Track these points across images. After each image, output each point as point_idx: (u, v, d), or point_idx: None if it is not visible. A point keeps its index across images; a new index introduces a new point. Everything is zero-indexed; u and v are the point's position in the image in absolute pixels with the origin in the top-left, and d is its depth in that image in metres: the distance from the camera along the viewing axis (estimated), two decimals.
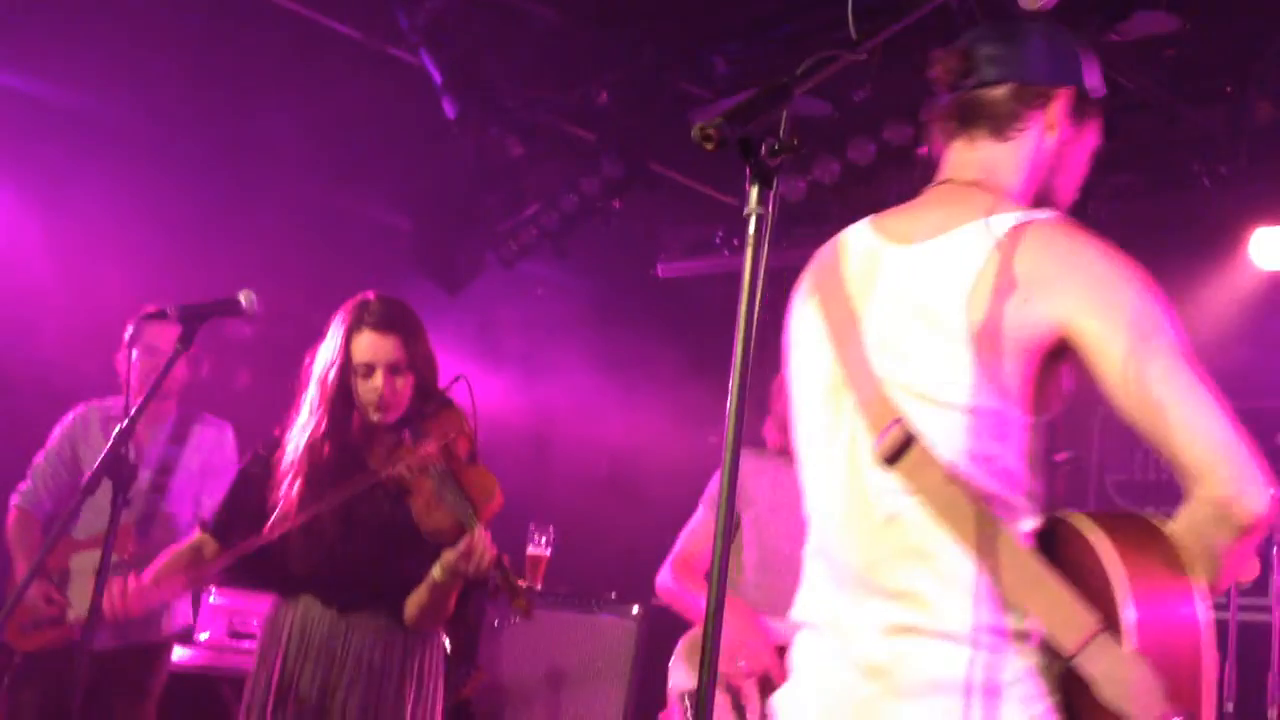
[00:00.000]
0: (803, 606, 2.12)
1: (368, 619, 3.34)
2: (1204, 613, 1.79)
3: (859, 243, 2.13)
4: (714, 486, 4.12)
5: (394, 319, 3.37)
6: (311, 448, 3.31)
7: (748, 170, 1.59)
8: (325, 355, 3.40)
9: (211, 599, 5.86)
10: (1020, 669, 1.86)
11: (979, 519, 1.87)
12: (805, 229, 5.60)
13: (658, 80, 5.67)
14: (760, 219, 1.56)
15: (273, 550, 3.32)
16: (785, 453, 3.88)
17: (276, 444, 3.45)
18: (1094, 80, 2.11)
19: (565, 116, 6.21)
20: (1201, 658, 1.78)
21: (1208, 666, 1.79)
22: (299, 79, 6.05)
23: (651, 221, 6.99)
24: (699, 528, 4.22)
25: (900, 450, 1.91)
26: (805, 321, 2.16)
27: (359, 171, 6.76)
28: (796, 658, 2.11)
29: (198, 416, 4.88)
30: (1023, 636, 1.87)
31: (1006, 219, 1.94)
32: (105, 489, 4.48)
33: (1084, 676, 1.78)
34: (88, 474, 3.00)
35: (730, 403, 1.54)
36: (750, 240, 1.55)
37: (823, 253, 2.19)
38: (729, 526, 1.49)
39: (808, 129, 5.29)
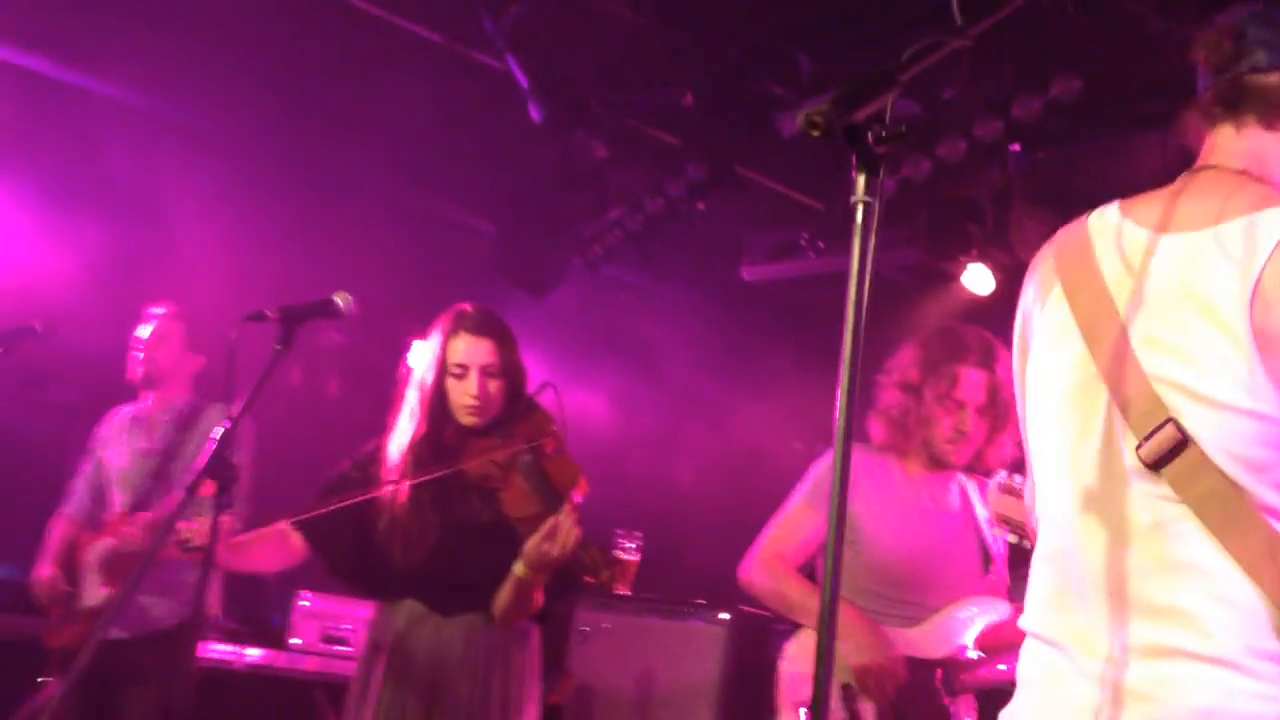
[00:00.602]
0: (1033, 617, 1.99)
1: (468, 621, 3.39)
2: None
3: (1111, 229, 2.01)
4: (813, 478, 3.81)
5: (489, 324, 3.50)
6: (414, 448, 3.43)
7: (854, 158, 1.54)
8: (423, 361, 3.52)
9: (303, 603, 5.92)
10: None
11: (1257, 531, 1.76)
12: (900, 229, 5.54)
13: (741, 80, 5.63)
14: (868, 207, 1.51)
15: (376, 554, 3.42)
16: (892, 448, 3.80)
17: (371, 454, 3.55)
18: None
19: (650, 119, 6.20)
20: None
21: None
22: (384, 84, 6.11)
23: (736, 225, 6.94)
24: (793, 519, 3.82)
25: (1171, 453, 1.79)
26: (1048, 310, 2.04)
27: (444, 176, 6.81)
28: (1027, 672, 1.99)
29: (207, 406, 4.87)
30: None
31: None
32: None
33: None
34: (188, 474, 3.04)
35: (840, 394, 1.50)
36: (858, 228, 1.51)
37: (1064, 237, 2.08)
38: (841, 522, 1.44)
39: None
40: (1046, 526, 2.00)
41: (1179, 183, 2.02)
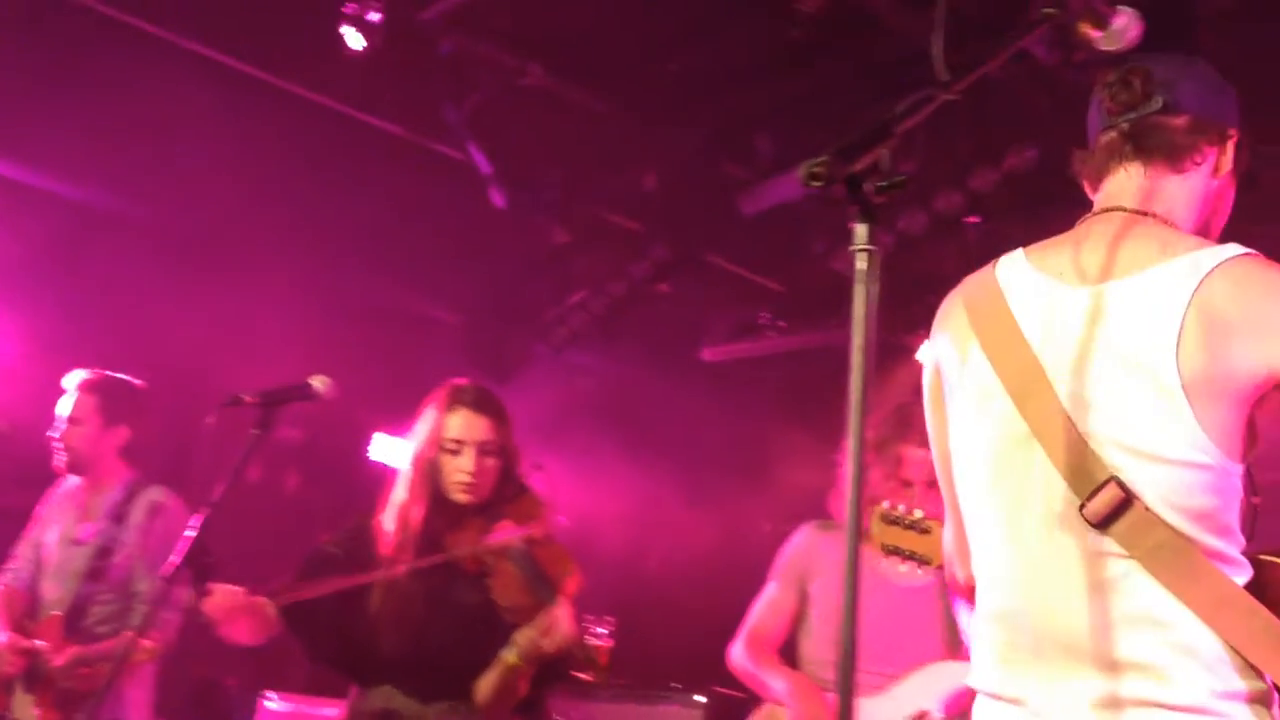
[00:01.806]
0: (985, 676, 1.98)
1: (448, 707, 3.31)
2: None
3: (1023, 281, 2.00)
4: (784, 560, 4.05)
5: (487, 401, 3.46)
6: (404, 526, 3.36)
7: (854, 208, 1.57)
8: (419, 436, 3.45)
9: (269, 704, 5.78)
10: None
11: (1208, 582, 1.77)
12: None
13: (702, 163, 5.71)
14: (870, 255, 1.54)
15: (358, 636, 3.34)
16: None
17: (354, 531, 3.48)
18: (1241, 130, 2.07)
19: (610, 203, 6.27)
20: None
21: None
22: (344, 176, 6.14)
23: (696, 307, 7.00)
24: (771, 603, 4.09)
25: (1116, 511, 1.79)
26: (969, 368, 2.01)
27: (406, 267, 6.83)
28: None
29: (142, 491, 4.51)
30: (1263, 698, 1.79)
31: (1205, 257, 1.84)
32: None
33: None
34: (166, 566, 2.98)
35: (851, 439, 1.51)
36: (860, 275, 1.53)
37: (972, 291, 2.06)
38: (857, 565, 1.44)
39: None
40: (989, 587, 1.99)
41: (1084, 226, 2.03)
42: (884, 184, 1.57)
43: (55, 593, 4.44)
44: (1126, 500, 1.79)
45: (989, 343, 1.97)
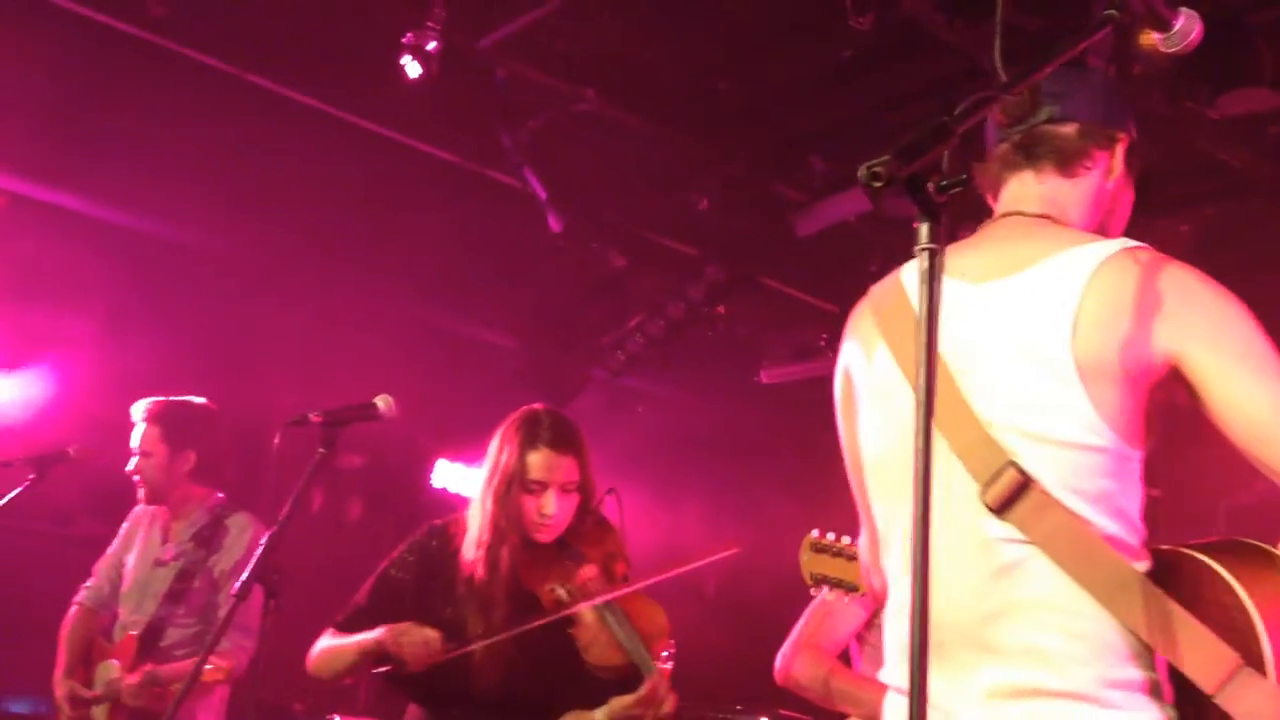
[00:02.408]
0: (893, 671, 2.01)
1: None
2: None
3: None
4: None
5: (570, 438, 3.33)
6: (492, 566, 3.26)
7: (917, 208, 1.57)
8: (498, 466, 3.32)
9: None
10: None
11: (1106, 563, 1.79)
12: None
13: (755, 185, 5.73)
14: (932, 254, 1.54)
15: (453, 666, 3.23)
16: None
17: (423, 549, 3.43)
18: (1136, 133, 2.15)
19: (665, 226, 6.30)
20: None
21: None
22: (402, 204, 6.23)
23: (753, 329, 7.01)
24: (821, 610, 3.77)
25: (1014, 495, 1.82)
26: (874, 367, 2.05)
27: (464, 294, 6.89)
28: None
29: (230, 514, 4.55)
30: (1154, 689, 1.79)
31: (1099, 248, 1.89)
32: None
33: (1227, 715, 1.70)
34: (236, 582, 3.02)
35: (918, 437, 1.51)
36: (924, 275, 1.54)
37: (880, 294, 2.12)
38: (924, 597, 1.43)
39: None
40: (895, 583, 2.01)
41: (984, 231, 2.09)
42: (945, 183, 1.57)
43: (133, 613, 4.47)
44: (1024, 484, 1.82)
45: (893, 340, 2.02)
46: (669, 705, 3.09)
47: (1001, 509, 1.83)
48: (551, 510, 3.24)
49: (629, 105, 5.65)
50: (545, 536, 3.29)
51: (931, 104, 4.82)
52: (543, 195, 5.70)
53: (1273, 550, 1.81)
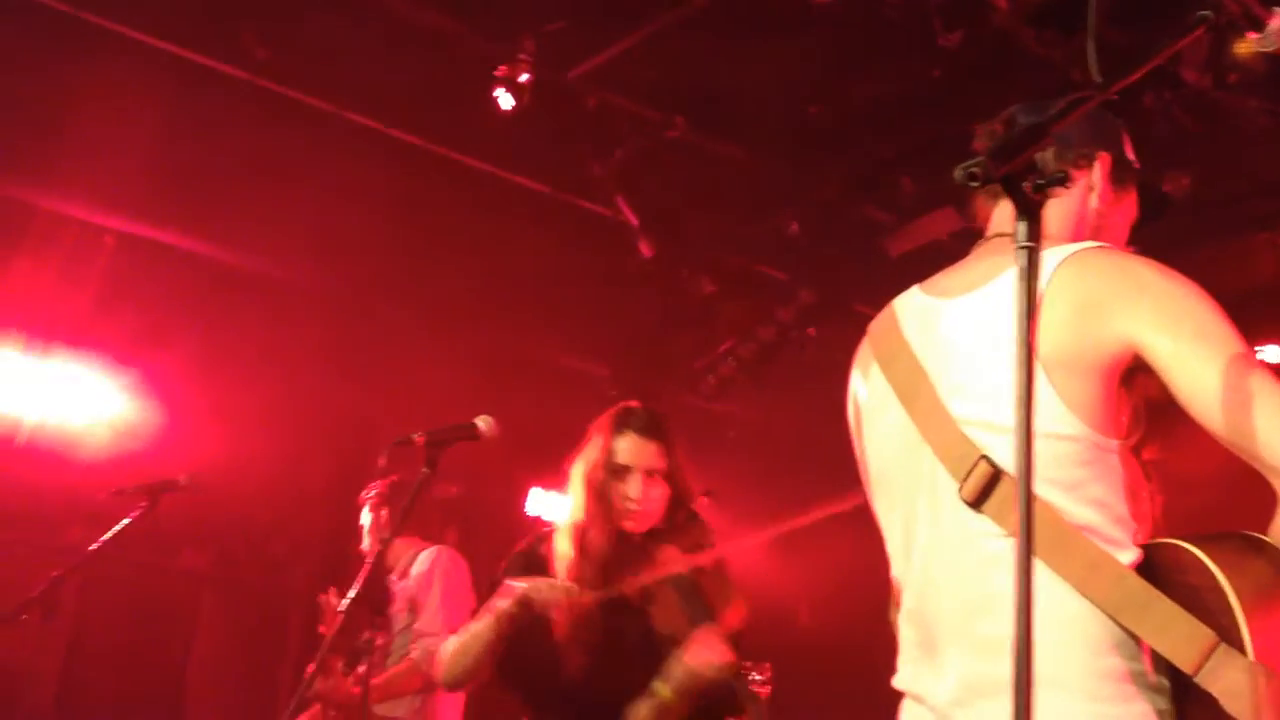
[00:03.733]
0: (901, 675, 2.06)
1: None
2: None
3: (913, 305, 2.16)
4: None
5: (656, 424, 3.34)
6: (581, 549, 3.28)
7: (1014, 208, 1.60)
8: (588, 458, 3.36)
9: None
10: (1137, 714, 1.78)
11: (1079, 551, 1.81)
12: None
13: (845, 207, 5.75)
14: (1031, 252, 1.56)
15: (533, 663, 3.28)
16: None
17: (530, 552, 3.45)
18: (1131, 153, 2.20)
19: (755, 251, 6.33)
20: None
21: None
22: (492, 235, 6.33)
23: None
24: None
25: (987, 488, 1.87)
26: (870, 385, 2.17)
27: (555, 321, 6.97)
28: None
29: (424, 549, 4.82)
30: (1139, 678, 1.79)
31: (1060, 250, 1.96)
32: None
33: (1207, 694, 1.70)
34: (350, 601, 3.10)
35: (1017, 434, 1.52)
36: (1022, 273, 1.55)
37: (876, 324, 2.22)
38: (1028, 595, 1.43)
39: None
40: (904, 588, 2.07)
41: (971, 255, 2.18)
42: (1042, 182, 1.59)
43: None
44: (995, 476, 1.87)
45: (883, 359, 2.14)
46: (724, 658, 3.01)
47: (977, 502, 1.89)
48: (636, 493, 3.25)
49: (718, 131, 5.71)
50: (633, 524, 3.28)
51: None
52: (634, 223, 5.77)
53: (1263, 538, 1.80)
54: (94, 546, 4.15)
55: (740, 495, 7.87)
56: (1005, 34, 4.31)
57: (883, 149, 5.58)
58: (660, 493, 3.30)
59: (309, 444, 6.52)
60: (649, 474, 3.28)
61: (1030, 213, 1.59)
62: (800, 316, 6.25)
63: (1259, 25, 2.01)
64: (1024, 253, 1.58)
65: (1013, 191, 1.59)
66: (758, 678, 5.63)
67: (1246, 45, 2.12)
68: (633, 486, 3.27)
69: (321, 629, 4.38)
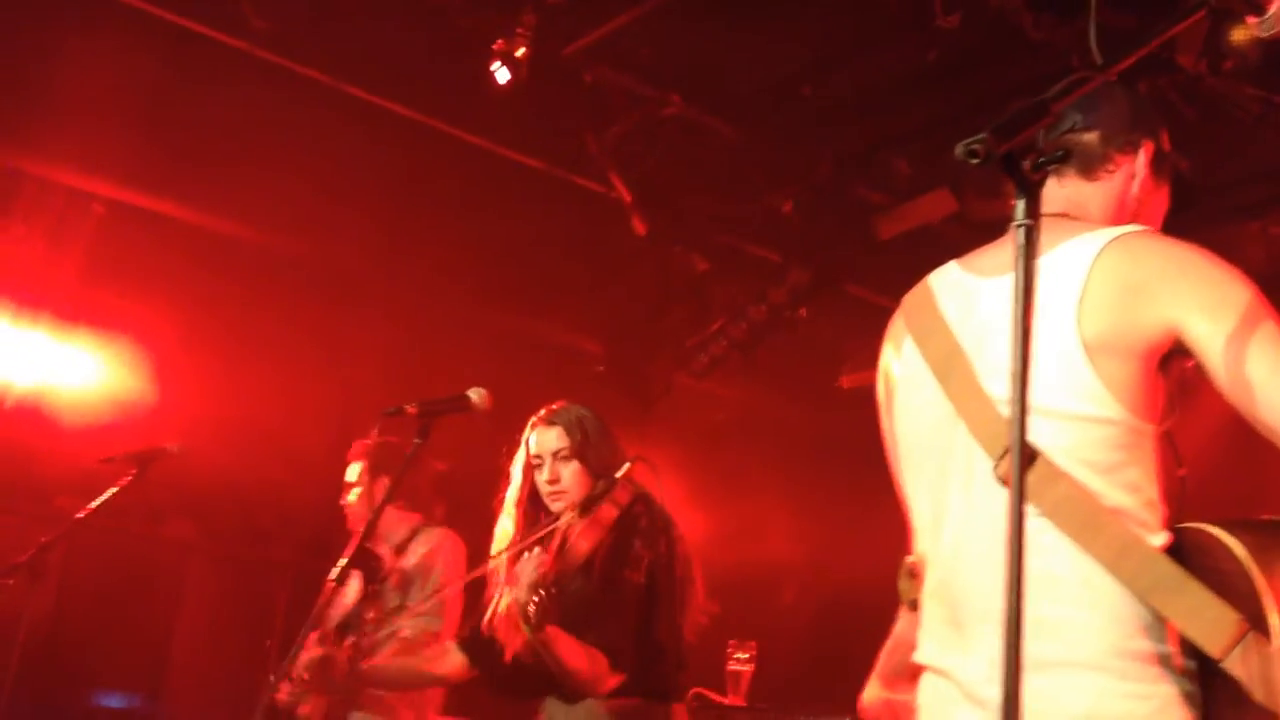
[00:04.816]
0: (924, 650, 2.07)
1: (589, 705, 3.36)
2: None
3: (951, 281, 2.16)
4: None
5: (557, 414, 3.67)
6: (512, 544, 3.53)
7: (1013, 185, 1.60)
8: (515, 462, 3.71)
9: None
10: (1166, 697, 1.79)
11: (1111, 533, 1.82)
12: None
13: (839, 188, 5.74)
14: (1029, 230, 1.57)
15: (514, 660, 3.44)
16: None
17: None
18: (1166, 145, 2.23)
19: (748, 230, 6.33)
20: None
21: None
22: (487, 210, 6.32)
23: (835, 333, 7.01)
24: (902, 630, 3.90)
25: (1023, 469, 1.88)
26: (903, 360, 2.16)
27: (548, 297, 6.97)
28: (922, 702, 2.06)
29: (426, 528, 4.72)
30: (1166, 661, 1.80)
31: (1105, 233, 1.97)
32: None
33: (1232, 679, 1.71)
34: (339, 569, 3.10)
35: (1013, 407, 1.53)
36: (1021, 251, 1.56)
37: (911, 298, 2.22)
38: (1019, 578, 1.44)
39: None
40: (928, 566, 2.07)
41: (1009, 233, 2.12)
42: (1043, 160, 1.60)
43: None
44: (1033, 456, 1.86)
45: (918, 335, 2.13)
46: (538, 567, 3.16)
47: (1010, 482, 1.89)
48: (548, 476, 3.53)
49: (713, 110, 5.71)
50: (557, 504, 3.52)
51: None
52: (627, 199, 5.77)
53: None
54: (81, 514, 4.14)
55: (730, 472, 7.92)
56: (1003, 17, 4.31)
57: (878, 130, 5.58)
58: (572, 470, 3.55)
59: (299, 415, 6.50)
60: (556, 456, 3.56)
61: (1029, 191, 1.60)
62: (792, 297, 6.26)
63: (1259, 9, 2.02)
64: (1021, 230, 1.59)
65: (1012, 169, 1.60)
66: (743, 655, 5.66)
67: (1243, 31, 2.13)
68: (545, 472, 3.55)
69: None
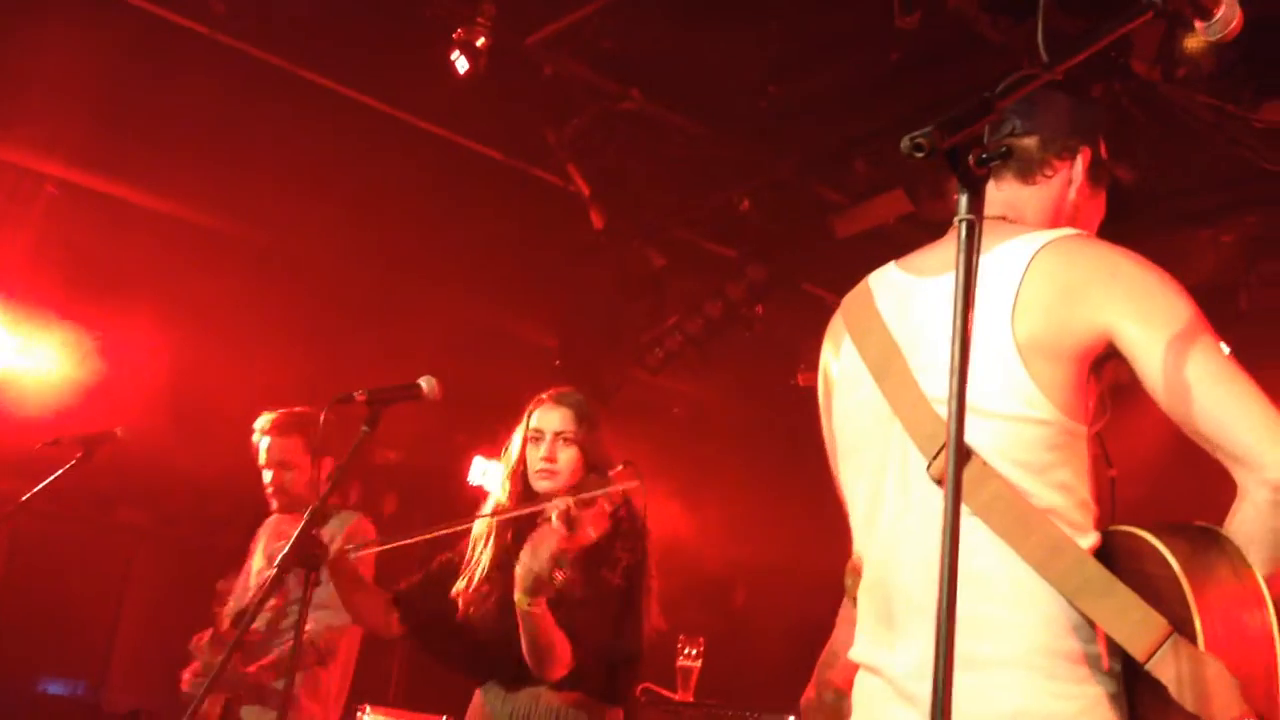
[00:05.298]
0: (859, 647, 2.08)
1: (534, 691, 3.35)
2: (1273, 612, 1.75)
3: (889, 281, 2.17)
4: None
5: (569, 397, 3.61)
6: (498, 513, 3.50)
7: (956, 180, 1.61)
8: (515, 435, 3.63)
9: (366, 718, 5.84)
10: (1093, 697, 1.81)
11: (1041, 533, 1.84)
12: None
13: (797, 186, 5.76)
14: (970, 225, 1.58)
15: (458, 628, 3.44)
16: None
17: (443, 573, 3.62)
18: (1104, 152, 2.22)
19: (706, 226, 6.34)
20: (1275, 657, 1.73)
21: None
22: (444, 200, 6.30)
23: (790, 330, 7.03)
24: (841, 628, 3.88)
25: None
26: (842, 363, 2.17)
27: (504, 289, 6.95)
28: (856, 699, 2.07)
29: (339, 513, 4.52)
30: (1095, 662, 1.82)
31: (1041, 235, 1.98)
32: None
33: (1157, 681, 1.72)
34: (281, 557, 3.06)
35: (951, 401, 1.54)
36: (962, 245, 1.57)
37: (850, 299, 2.23)
38: (953, 581, 1.45)
39: None
40: (865, 562, 2.09)
41: (947, 234, 2.17)
42: (985, 156, 1.61)
43: (242, 603, 4.50)
44: (965, 455, 1.87)
45: (857, 334, 2.14)
46: (551, 544, 3.10)
47: (944, 481, 1.89)
48: (545, 453, 3.48)
49: (673, 105, 5.70)
50: (544, 483, 3.47)
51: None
52: (586, 192, 5.76)
53: (1219, 530, 1.83)
54: (25, 497, 4.09)
55: (683, 468, 7.93)
56: (961, 18, 4.34)
57: (838, 130, 5.60)
58: (571, 455, 3.51)
59: (254, 402, 6.45)
60: (558, 436, 3.50)
61: (972, 186, 1.61)
62: (749, 293, 6.27)
63: (1205, 13, 2.03)
64: (964, 225, 1.60)
65: (956, 164, 1.61)
66: (691, 651, 5.66)
67: (1196, 39, 2.14)
68: (544, 448, 3.50)
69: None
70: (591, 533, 3.19)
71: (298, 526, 4.34)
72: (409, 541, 3.45)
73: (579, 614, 3.25)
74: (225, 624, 4.41)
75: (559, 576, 3.18)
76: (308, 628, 4.21)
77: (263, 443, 4.60)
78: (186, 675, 4.45)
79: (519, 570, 3.15)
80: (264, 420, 4.65)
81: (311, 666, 4.31)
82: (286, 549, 3.05)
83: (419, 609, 3.54)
